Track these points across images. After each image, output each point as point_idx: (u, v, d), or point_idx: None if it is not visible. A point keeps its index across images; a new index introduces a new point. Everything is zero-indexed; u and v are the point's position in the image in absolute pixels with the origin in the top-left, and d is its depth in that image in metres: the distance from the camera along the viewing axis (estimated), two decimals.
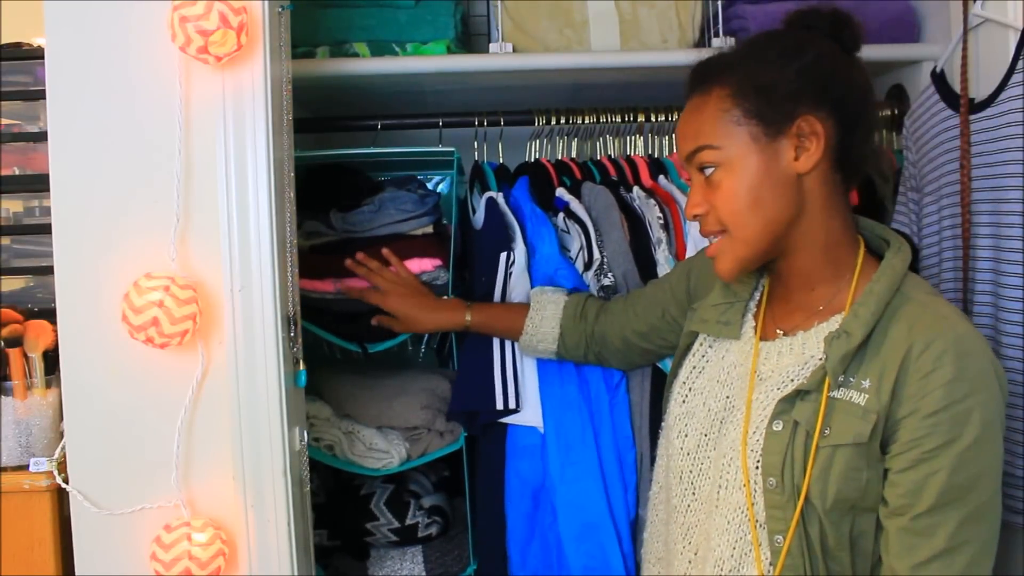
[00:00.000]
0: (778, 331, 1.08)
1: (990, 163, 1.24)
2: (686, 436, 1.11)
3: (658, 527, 1.16)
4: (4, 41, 1.43)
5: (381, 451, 1.47)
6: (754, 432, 1.02)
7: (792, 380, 1.02)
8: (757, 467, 1.00)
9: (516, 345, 1.40)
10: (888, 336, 0.97)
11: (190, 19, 1.04)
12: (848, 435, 0.95)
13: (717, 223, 1.03)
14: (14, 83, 1.41)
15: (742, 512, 1.01)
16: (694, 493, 1.09)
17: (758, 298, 1.13)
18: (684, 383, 1.15)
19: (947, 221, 1.34)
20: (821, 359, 1.00)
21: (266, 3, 1.13)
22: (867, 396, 0.95)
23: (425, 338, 1.63)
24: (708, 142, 1.03)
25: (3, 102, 1.40)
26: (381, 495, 1.54)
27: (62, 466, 1.16)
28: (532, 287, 1.41)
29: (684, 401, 1.13)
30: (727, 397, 1.08)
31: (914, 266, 1.42)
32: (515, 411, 1.38)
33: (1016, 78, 1.20)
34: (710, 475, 1.07)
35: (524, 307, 1.38)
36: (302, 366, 1.20)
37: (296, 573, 1.15)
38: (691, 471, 1.10)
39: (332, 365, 1.60)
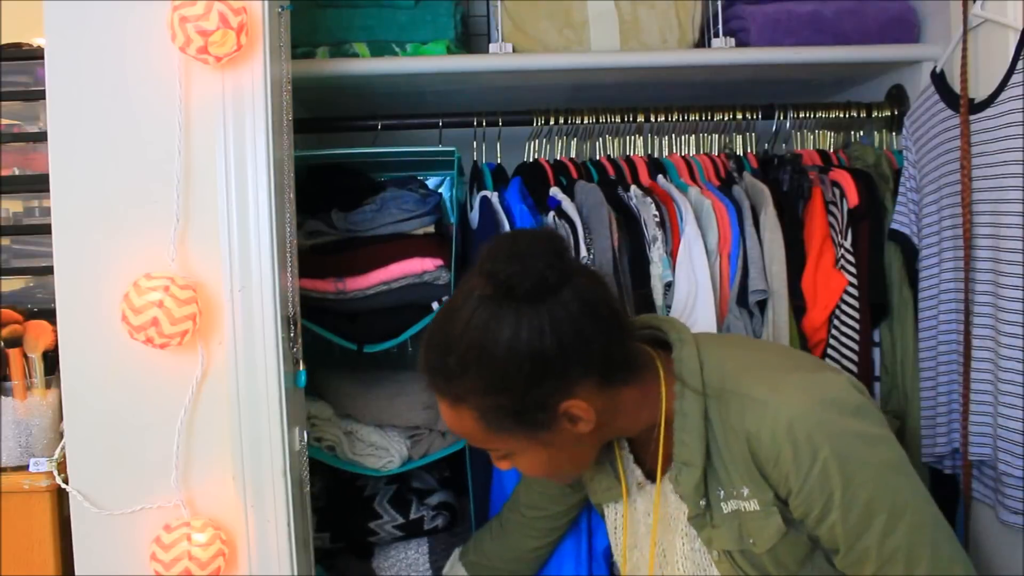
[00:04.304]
0: (654, 474, 1.10)
1: (990, 163, 1.24)
2: None
3: None
4: (4, 41, 1.43)
5: (382, 450, 1.47)
6: (696, 564, 1.06)
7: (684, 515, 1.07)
8: None
9: None
10: (727, 443, 1.00)
11: (190, 19, 1.04)
12: (771, 536, 0.99)
13: (532, 476, 1.09)
14: (14, 83, 1.40)
15: None
16: None
17: (618, 456, 1.15)
18: (616, 547, 1.19)
19: (947, 221, 1.34)
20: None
21: (266, 3, 1.13)
22: (755, 500, 0.99)
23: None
24: (485, 447, 1.04)
25: (3, 102, 1.40)
26: (384, 495, 1.54)
27: (62, 466, 1.16)
28: None
29: (627, 560, 1.17)
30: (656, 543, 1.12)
31: (912, 266, 1.43)
32: None
33: (1016, 78, 1.20)
34: None
35: None
36: (302, 366, 1.20)
37: (296, 573, 1.15)
38: None
39: (333, 365, 1.60)
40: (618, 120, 1.58)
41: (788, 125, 1.61)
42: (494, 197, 1.47)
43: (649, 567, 1.09)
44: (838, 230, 1.45)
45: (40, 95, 1.28)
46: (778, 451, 0.95)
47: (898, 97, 1.63)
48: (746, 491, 0.99)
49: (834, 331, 1.42)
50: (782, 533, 0.99)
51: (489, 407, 0.97)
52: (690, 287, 1.39)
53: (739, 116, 1.60)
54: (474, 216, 1.49)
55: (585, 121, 1.58)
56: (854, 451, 0.94)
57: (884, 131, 1.64)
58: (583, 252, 1.41)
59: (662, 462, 1.06)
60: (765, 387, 0.98)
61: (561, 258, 0.96)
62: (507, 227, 1.43)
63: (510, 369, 0.93)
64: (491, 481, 1.43)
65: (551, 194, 1.50)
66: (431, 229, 1.54)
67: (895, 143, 1.62)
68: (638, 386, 1.03)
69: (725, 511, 1.01)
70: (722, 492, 1.01)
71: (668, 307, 1.40)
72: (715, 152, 1.65)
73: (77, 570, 1.15)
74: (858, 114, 1.62)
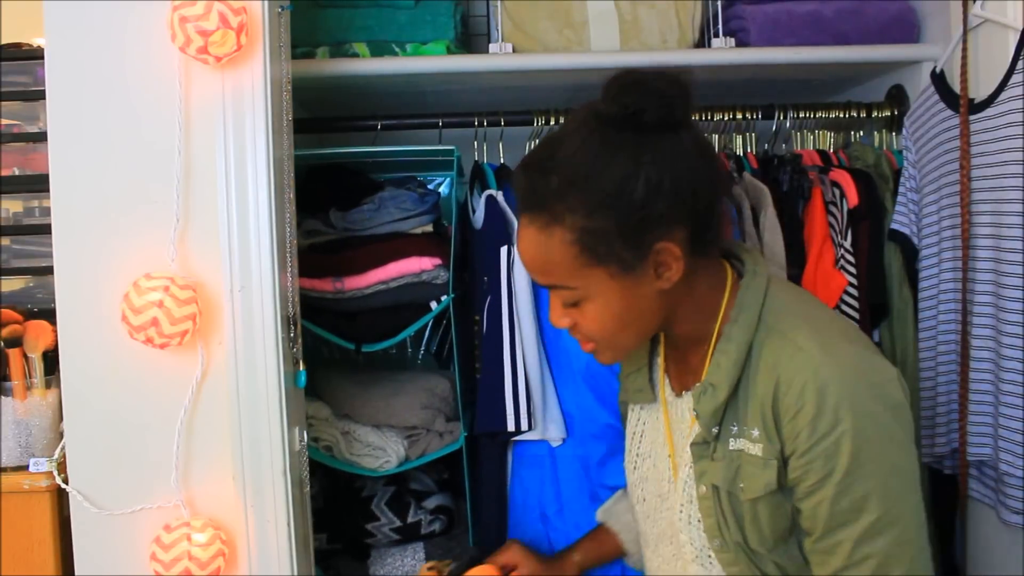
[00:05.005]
0: (681, 389, 1.10)
1: (990, 163, 1.24)
2: (644, 501, 1.14)
3: None
4: (4, 41, 1.43)
5: (379, 450, 1.47)
6: (685, 493, 1.05)
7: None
8: (700, 529, 1.03)
9: (527, 364, 1.38)
10: (756, 379, 0.98)
11: (190, 19, 1.04)
12: (760, 487, 0.97)
13: (586, 338, 1.03)
14: (14, 83, 1.41)
15: (703, 567, 1.04)
16: (659, 554, 1.13)
17: (658, 360, 1.14)
18: (630, 451, 1.18)
19: (947, 221, 1.34)
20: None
21: (266, 3, 1.13)
22: (761, 445, 0.97)
23: (424, 340, 1.62)
24: (560, 283, 0.99)
25: (3, 102, 1.40)
26: (382, 496, 1.54)
27: (62, 466, 1.16)
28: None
29: (635, 468, 1.16)
30: (669, 456, 1.10)
31: (912, 266, 1.43)
32: (528, 430, 1.38)
33: (1016, 78, 1.20)
34: (668, 536, 1.10)
35: (601, 532, 1.31)
36: (302, 366, 1.20)
37: (296, 573, 1.15)
38: (653, 534, 1.13)
39: (331, 365, 1.60)
40: None
41: (788, 125, 1.61)
42: (499, 195, 1.47)
43: (675, 481, 1.07)
44: (838, 230, 1.45)
45: (40, 95, 1.28)
46: (801, 405, 0.92)
47: (898, 97, 1.63)
48: (756, 433, 0.97)
49: None
50: (771, 489, 0.96)
51: (588, 229, 0.93)
52: None
53: (739, 116, 1.59)
54: (478, 216, 1.49)
55: None
56: (874, 441, 0.92)
57: (884, 131, 1.64)
58: None
59: (694, 379, 1.05)
60: (816, 343, 0.95)
61: (687, 100, 0.95)
62: (514, 223, 1.42)
63: (623, 189, 0.92)
64: (502, 490, 1.43)
65: None
66: (429, 228, 1.53)
67: (895, 143, 1.62)
68: (709, 279, 1.02)
69: (731, 447, 0.99)
70: (735, 427, 0.99)
71: None
72: None
73: (77, 570, 1.15)
74: (858, 114, 1.62)
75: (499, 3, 1.56)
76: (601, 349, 1.04)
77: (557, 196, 0.94)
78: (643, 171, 0.92)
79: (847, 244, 1.43)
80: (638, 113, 0.93)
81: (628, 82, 0.94)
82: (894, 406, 0.94)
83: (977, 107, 1.27)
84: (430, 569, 1.37)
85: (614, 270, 0.96)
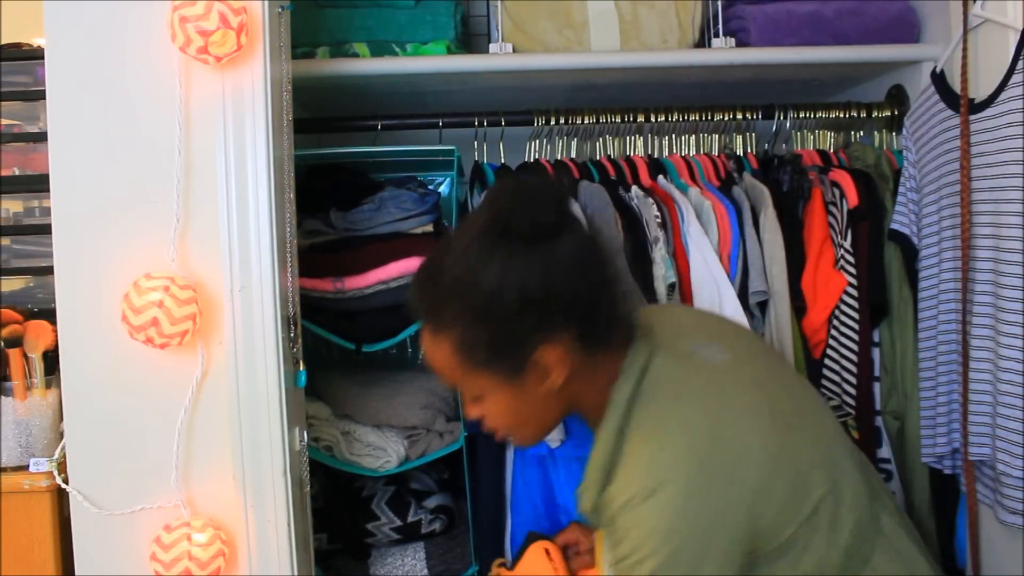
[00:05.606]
0: None
1: (990, 163, 1.24)
2: None
3: None
4: (4, 41, 1.43)
5: (379, 450, 1.47)
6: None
7: None
8: None
9: None
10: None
11: (190, 19, 1.04)
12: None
13: (492, 430, 1.06)
14: (14, 83, 1.41)
15: None
16: None
17: None
18: None
19: (947, 221, 1.34)
20: None
21: (266, 3, 1.13)
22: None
23: None
24: (456, 383, 1.03)
25: (3, 102, 1.40)
26: (382, 496, 1.54)
27: (62, 466, 1.16)
28: None
29: None
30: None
31: (912, 266, 1.43)
32: None
33: (1016, 78, 1.20)
34: None
35: None
36: (302, 366, 1.20)
37: (296, 573, 1.15)
38: None
39: (331, 365, 1.60)
40: (618, 120, 1.58)
41: (788, 125, 1.61)
42: None
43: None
44: (838, 230, 1.45)
45: (40, 95, 1.28)
46: (614, 526, 0.94)
47: (898, 97, 1.63)
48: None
49: (833, 331, 1.42)
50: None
51: (468, 338, 0.96)
52: (712, 290, 1.38)
53: (739, 116, 1.60)
54: None
55: (585, 121, 1.58)
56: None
57: (884, 131, 1.64)
58: None
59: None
60: (642, 466, 0.93)
61: (563, 207, 0.97)
62: None
63: (494, 301, 0.93)
64: (501, 489, 1.43)
65: None
66: (430, 228, 1.53)
67: (895, 143, 1.62)
68: (610, 369, 1.00)
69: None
70: None
71: None
72: (715, 152, 1.64)
73: (77, 570, 1.15)
74: (858, 114, 1.62)
75: (499, 3, 1.56)
76: (511, 438, 1.08)
77: (440, 305, 0.98)
78: (514, 282, 0.93)
79: (847, 244, 1.43)
80: (511, 225, 0.94)
81: (501, 192, 0.97)
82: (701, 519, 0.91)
83: (977, 107, 1.27)
84: (499, 566, 1.37)
85: (500, 376, 0.98)
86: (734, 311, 1.37)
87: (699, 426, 0.94)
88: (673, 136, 1.64)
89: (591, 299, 0.97)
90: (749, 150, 1.66)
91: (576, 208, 1.45)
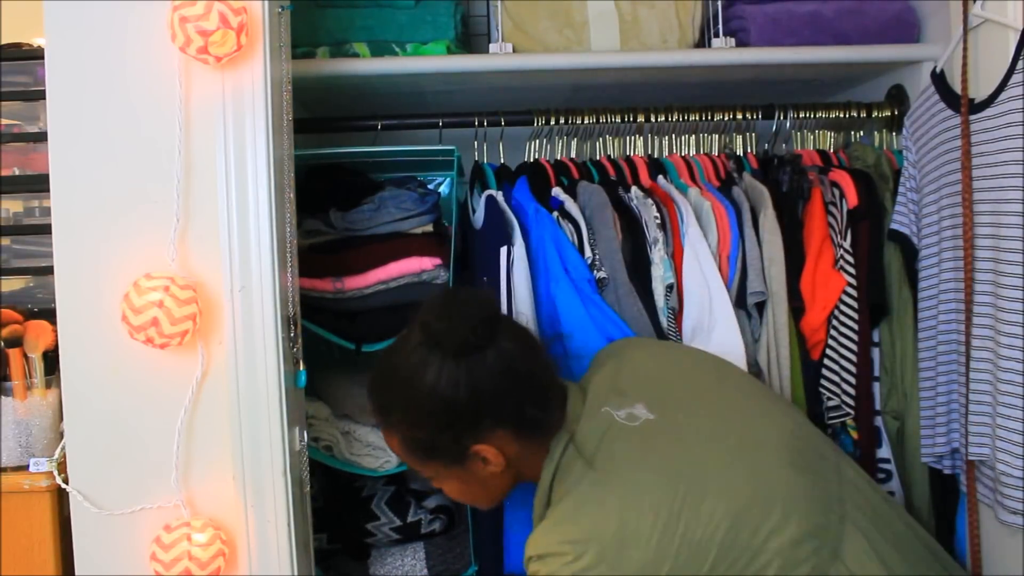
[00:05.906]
0: None
1: (990, 163, 1.24)
2: None
3: None
4: (4, 41, 1.43)
5: (379, 450, 1.47)
6: None
7: None
8: None
9: None
10: None
11: (190, 19, 1.04)
12: None
13: (453, 498, 1.20)
14: (14, 83, 1.41)
15: None
16: None
17: None
18: None
19: (947, 221, 1.34)
20: None
21: (266, 3, 1.13)
22: None
23: None
24: (410, 466, 1.18)
25: (3, 102, 1.40)
26: (382, 496, 1.54)
27: (62, 466, 1.16)
28: (541, 282, 1.39)
29: None
30: None
31: (912, 267, 1.43)
32: None
33: (1016, 78, 1.20)
34: None
35: None
36: (302, 366, 1.20)
37: (296, 573, 1.15)
38: None
39: (331, 365, 1.60)
40: (618, 120, 1.58)
41: (788, 125, 1.61)
42: (499, 196, 1.47)
43: None
44: (837, 231, 1.45)
45: (40, 95, 1.28)
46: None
47: (898, 97, 1.63)
48: None
49: (833, 331, 1.42)
50: None
51: (410, 439, 1.11)
52: (703, 293, 1.38)
53: (739, 116, 1.60)
54: (478, 216, 1.49)
55: (585, 121, 1.58)
56: None
57: (884, 131, 1.64)
58: (587, 252, 1.40)
59: None
60: (550, 529, 1.01)
61: (489, 323, 1.06)
62: (514, 224, 1.42)
63: (427, 410, 1.06)
64: None
65: (553, 194, 1.49)
66: (429, 228, 1.54)
67: (895, 143, 1.62)
68: (548, 444, 1.10)
69: None
70: None
71: (672, 309, 1.39)
72: (715, 152, 1.64)
73: (77, 570, 1.15)
74: (858, 114, 1.62)
75: (499, 3, 1.56)
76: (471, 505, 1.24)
77: (389, 405, 1.12)
78: (446, 391, 1.05)
79: (847, 244, 1.43)
80: (439, 341, 1.05)
81: (433, 309, 1.06)
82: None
83: (977, 107, 1.27)
84: None
85: (444, 465, 1.12)
86: (723, 315, 1.37)
87: (596, 507, 1.01)
88: (673, 136, 1.64)
89: (518, 401, 1.08)
90: (749, 150, 1.65)
91: (574, 207, 1.44)
